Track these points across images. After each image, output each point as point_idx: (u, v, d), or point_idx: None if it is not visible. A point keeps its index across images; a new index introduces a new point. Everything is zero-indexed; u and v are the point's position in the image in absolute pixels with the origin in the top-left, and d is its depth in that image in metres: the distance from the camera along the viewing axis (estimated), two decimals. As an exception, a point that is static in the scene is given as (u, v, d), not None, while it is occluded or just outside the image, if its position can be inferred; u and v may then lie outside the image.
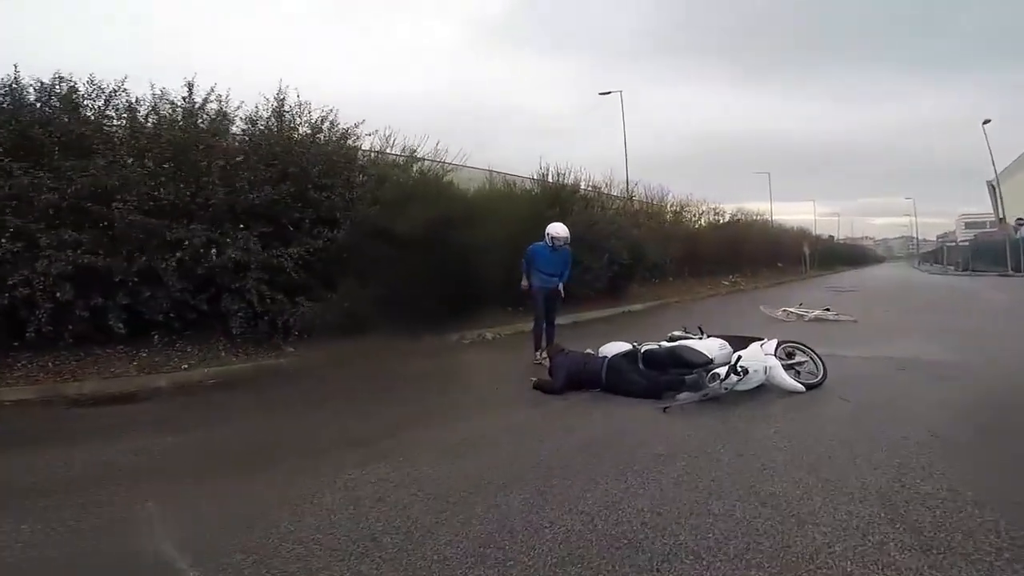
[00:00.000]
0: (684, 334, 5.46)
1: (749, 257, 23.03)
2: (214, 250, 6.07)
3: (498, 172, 11.25)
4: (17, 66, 5.91)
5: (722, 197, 30.92)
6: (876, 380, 5.01)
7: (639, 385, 4.52)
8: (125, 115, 6.37)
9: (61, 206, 5.47)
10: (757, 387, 4.47)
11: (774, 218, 33.46)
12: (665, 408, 4.12)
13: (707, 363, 4.68)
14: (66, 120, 5.96)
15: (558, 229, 6.33)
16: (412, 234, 7.19)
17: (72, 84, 6.14)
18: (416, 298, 7.28)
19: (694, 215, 21.30)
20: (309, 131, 7.14)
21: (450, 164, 10.02)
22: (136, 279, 5.77)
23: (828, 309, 9.78)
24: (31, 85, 5.98)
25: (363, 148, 8.18)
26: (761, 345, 4.78)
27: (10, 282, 5.27)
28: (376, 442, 3.67)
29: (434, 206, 7.58)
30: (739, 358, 4.28)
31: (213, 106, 6.81)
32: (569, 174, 11.58)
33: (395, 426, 4.05)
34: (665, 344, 5.09)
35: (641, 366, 4.87)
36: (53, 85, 6.04)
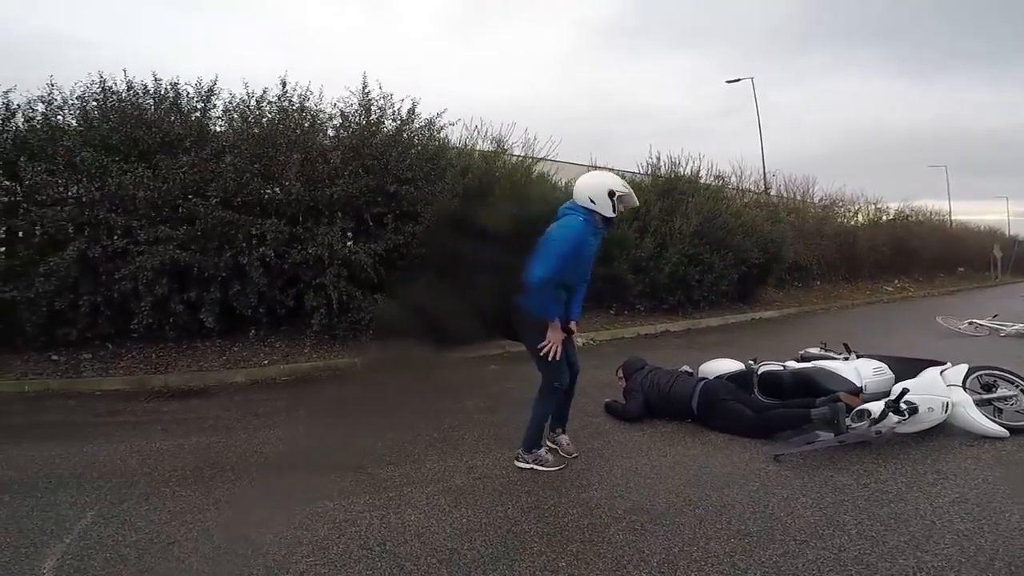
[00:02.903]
0: (823, 352, 4.13)
1: (920, 260, 19.30)
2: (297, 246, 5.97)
3: (603, 167, 10.24)
4: (126, 71, 6.28)
5: (886, 195, 26.49)
6: None
7: (743, 418, 3.30)
8: (222, 114, 6.54)
9: (156, 203, 5.66)
10: (931, 427, 3.13)
11: (954, 217, 28.02)
12: (777, 456, 2.91)
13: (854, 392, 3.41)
14: (172, 120, 6.21)
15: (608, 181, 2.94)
16: (496, 229, 6.57)
17: (175, 85, 6.42)
18: (501, 299, 6.65)
19: (849, 211, 18.28)
20: (394, 124, 6.83)
21: (550, 160, 9.30)
22: (224, 274, 5.83)
23: (1038, 323, 7.43)
24: (139, 87, 6.31)
25: (451, 142, 7.75)
26: (942, 372, 3.36)
27: (116, 276, 5.56)
28: (368, 468, 3.13)
29: (519, 199, 6.87)
30: (904, 391, 2.96)
31: (310, 104, 6.81)
32: (686, 163, 10.17)
33: (406, 450, 3.43)
34: (792, 365, 3.85)
35: (756, 393, 3.71)
36: (158, 88, 6.34)
